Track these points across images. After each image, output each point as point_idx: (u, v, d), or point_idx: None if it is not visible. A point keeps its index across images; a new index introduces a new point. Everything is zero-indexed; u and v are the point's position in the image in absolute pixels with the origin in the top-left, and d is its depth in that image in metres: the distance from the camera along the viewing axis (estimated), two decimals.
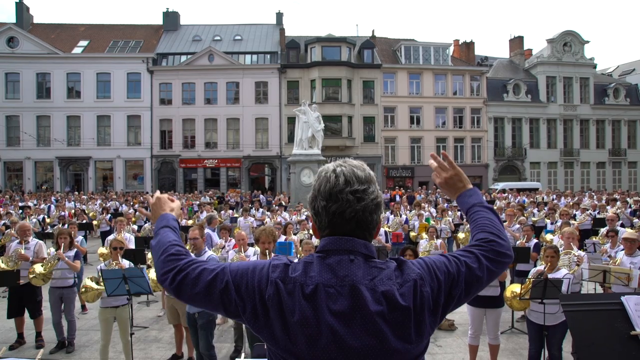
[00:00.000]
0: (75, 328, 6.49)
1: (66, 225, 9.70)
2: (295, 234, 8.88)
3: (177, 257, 1.40)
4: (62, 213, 15.47)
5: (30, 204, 18.22)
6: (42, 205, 18.30)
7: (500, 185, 28.99)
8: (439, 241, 8.72)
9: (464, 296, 1.34)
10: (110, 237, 8.07)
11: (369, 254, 1.30)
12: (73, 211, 16.30)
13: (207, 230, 8.68)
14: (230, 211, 16.67)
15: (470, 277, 1.34)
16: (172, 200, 1.71)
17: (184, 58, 34.07)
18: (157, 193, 1.74)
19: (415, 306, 1.23)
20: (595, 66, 39.33)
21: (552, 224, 10.99)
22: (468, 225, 11.10)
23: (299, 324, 1.20)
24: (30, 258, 6.50)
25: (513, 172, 36.68)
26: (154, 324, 7.58)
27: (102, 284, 5.31)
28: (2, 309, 6.51)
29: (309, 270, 1.26)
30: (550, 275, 5.00)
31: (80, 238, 8.51)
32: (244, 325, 5.33)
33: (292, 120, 27.99)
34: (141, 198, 21.63)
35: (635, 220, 12.95)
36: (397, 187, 31.72)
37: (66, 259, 6.24)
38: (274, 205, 17.05)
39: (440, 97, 35.44)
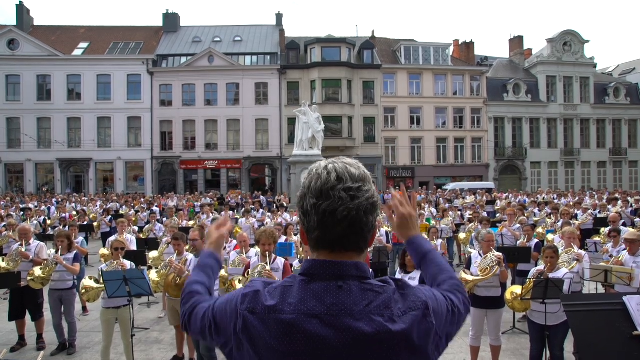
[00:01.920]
0: (75, 330, 6.49)
1: (67, 227, 9.71)
2: (296, 235, 8.87)
3: (189, 298, 1.42)
4: (63, 215, 15.48)
5: (31, 205, 18.24)
6: (43, 207, 18.31)
7: (451, 186, 28.53)
8: (440, 241, 8.71)
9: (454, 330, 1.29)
10: (112, 238, 8.07)
11: (363, 275, 1.16)
12: (74, 212, 16.31)
13: None
14: (231, 212, 16.67)
15: (460, 321, 1.31)
16: (219, 228, 1.65)
17: (184, 59, 34.12)
18: (214, 225, 1.68)
19: (417, 338, 1.11)
20: (595, 65, 39.32)
21: (554, 223, 10.96)
22: (470, 225, 11.14)
23: (274, 357, 1.09)
24: (31, 257, 6.55)
25: (514, 172, 36.66)
26: (155, 325, 7.57)
27: (101, 282, 5.31)
28: (4, 311, 6.51)
29: (287, 295, 1.13)
30: (550, 275, 4.99)
31: (80, 239, 8.53)
32: None
33: (292, 121, 27.99)
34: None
35: (637, 219, 12.93)
36: (397, 187, 31.71)
37: (64, 262, 6.22)
38: (274, 206, 17.04)
39: (441, 97, 35.44)
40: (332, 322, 1.08)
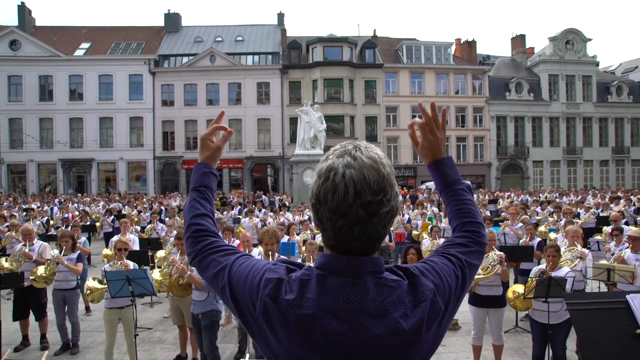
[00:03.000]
0: (79, 330, 6.51)
1: (69, 228, 9.74)
2: (298, 234, 8.88)
3: (195, 239, 1.36)
4: (66, 215, 15.53)
5: (33, 206, 18.31)
6: (46, 208, 18.36)
7: (431, 184, 28.35)
8: (442, 240, 8.70)
9: (463, 295, 1.27)
10: (115, 238, 8.10)
11: (378, 270, 1.14)
12: (77, 213, 16.35)
13: None
14: (233, 212, 16.69)
15: (471, 274, 1.29)
16: (212, 141, 1.50)
17: (185, 59, 34.14)
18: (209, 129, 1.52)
19: (427, 328, 1.12)
20: (597, 64, 39.19)
21: (556, 222, 10.94)
22: None
23: (294, 346, 1.10)
24: (34, 257, 6.58)
25: (516, 171, 36.59)
26: (158, 325, 7.60)
27: (104, 282, 5.33)
28: (8, 311, 6.53)
29: (306, 290, 1.12)
30: (552, 274, 4.99)
31: (83, 239, 8.56)
32: None
33: (294, 121, 27.99)
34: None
35: (639, 218, 12.91)
36: (401, 187, 31.66)
37: (65, 262, 6.24)
38: (276, 206, 17.05)
39: (443, 97, 35.36)
40: (347, 318, 1.08)
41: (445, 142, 1.40)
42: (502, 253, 5.53)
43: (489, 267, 5.38)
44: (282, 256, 5.35)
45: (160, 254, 8.19)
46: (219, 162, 1.56)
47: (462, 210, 1.39)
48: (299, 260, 6.83)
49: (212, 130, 1.52)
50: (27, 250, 6.66)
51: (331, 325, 1.08)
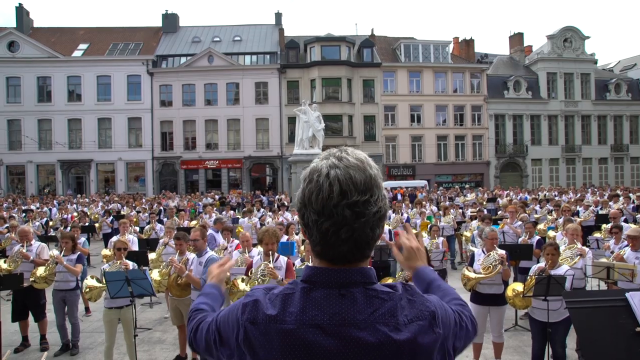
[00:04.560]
0: (79, 330, 6.51)
1: (69, 228, 9.72)
2: (297, 234, 8.88)
3: (194, 316, 1.43)
4: (65, 216, 15.50)
5: (32, 207, 18.27)
6: (45, 209, 18.33)
7: (391, 184, 28.27)
8: (441, 239, 8.69)
9: (458, 352, 1.23)
10: (114, 238, 8.08)
11: (367, 281, 1.09)
12: (75, 214, 16.33)
13: (211, 231, 8.69)
14: (232, 212, 16.67)
15: (467, 338, 1.26)
16: (221, 267, 1.75)
17: (183, 60, 34.11)
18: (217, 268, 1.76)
19: (422, 349, 1.06)
20: (596, 62, 39.21)
21: (555, 220, 10.95)
22: (472, 223, 11.13)
23: None
24: (32, 257, 6.60)
25: (515, 169, 36.62)
26: (157, 325, 7.59)
27: (103, 282, 5.33)
28: (7, 312, 6.53)
29: (289, 304, 1.07)
30: (551, 272, 4.99)
31: (82, 240, 8.56)
32: None
33: (292, 120, 27.98)
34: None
35: (638, 215, 12.92)
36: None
37: (65, 262, 6.25)
38: (275, 206, 17.04)
39: (441, 95, 35.40)
40: (334, 331, 1.03)
41: (423, 252, 1.57)
42: (503, 252, 5.52)
43: (490, 266, 5.38)
44: (281, 255, 5.33)
45: (152, 256, 8.16)
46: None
47: (445, 292, 1.41)
48: (298, 260, 6.85)
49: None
50: (25, 249, 6.67)
51: (317, 339, 1.03)
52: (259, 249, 5.83)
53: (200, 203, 21.20)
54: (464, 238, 11.85)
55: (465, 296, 4.54)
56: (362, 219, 1.06)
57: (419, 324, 1.06)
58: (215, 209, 16.14)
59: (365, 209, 1.06)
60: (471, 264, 5.72)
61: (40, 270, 6.32)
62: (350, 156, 1.10)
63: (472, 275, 5.45)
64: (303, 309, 1.06)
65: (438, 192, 24.68)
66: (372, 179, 1.08)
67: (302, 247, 7.70)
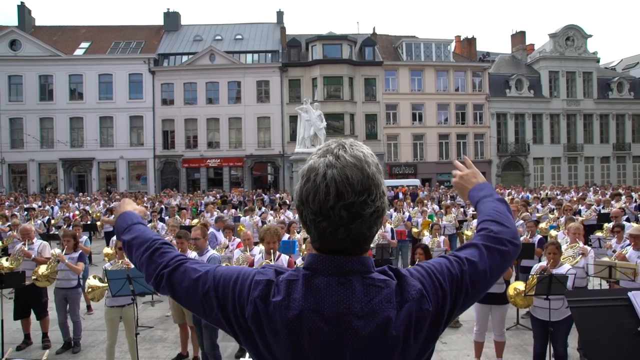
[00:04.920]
0: (80, 328, 6.53)
1: (71, 227, 9.74)
2: (298, 233, 8.88)
3: (164, 252, 1.34)
4: (67, 214, 15.53)
5: (34, 205, 18.31)
6: (47, 207, 18.37)
7: (386, 183, 28.34)
8: (442, 238, 8.69)
9: (470, 298, 1.19)
10: (115, 237, 8.08)
11: (366, 270, 1.11)
12: (77, 212, 16.35)
13: (212, 230, 8.70)
14: (233, 210, 16.69)
15: (475, 275, 1.19)
16: (138, 204, 1.65)
17: (185, 58, 34.11)
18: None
19: (414, 330, 1.08)
20: (598, 60, 39.09)
21: (557, 219, 10.93)
22: (474, 222, 11.13)
23: (281, 350, 1.08)
24: (33, 255, 6.62)
25: (516, 168, 36.56)
26: (159, 323, 7.60)
27: (105, 281, 5.34)
28: (9, 311, 6.54)
29: (292, 291, 1.10)
30: (553, 271, 4.98)
31: (84, 238, 8.58)
32: None
33: (294, 119, 27.97)
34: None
35: None
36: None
37: (66, 260, 6.26)
38: (277, 204, 17.04)
39: (443, 94, 35.33)
40: (334, 319, 1.06)
41: (477, 173, 1.58)
42: None
43: None
44: (282, 254, 5.33)
45: None
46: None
47: (481, 214, 1.39)
48: (300, 259, 6.85)
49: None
50: (26, 248, 6.69)
51: (318, 325, 1.06)
52: (261, 247, 5.83)
53: (201, 202, 21.22)
54: (465, 237, 11.84)
55: None
56: (358, 219, 1.07)
57: (407, 307, 1.08)
58: (216, 207, 16.16)
59: (362, 209, 1.06)
60: None
61: (42, 269, 6.33)
62: (348, 154, 1.10)
63: None
64: (305, 295, 1.09)
65: (440, 190, 24.66)
66: (369, 178, 1.08)
67: (303, 246, 7.71)
